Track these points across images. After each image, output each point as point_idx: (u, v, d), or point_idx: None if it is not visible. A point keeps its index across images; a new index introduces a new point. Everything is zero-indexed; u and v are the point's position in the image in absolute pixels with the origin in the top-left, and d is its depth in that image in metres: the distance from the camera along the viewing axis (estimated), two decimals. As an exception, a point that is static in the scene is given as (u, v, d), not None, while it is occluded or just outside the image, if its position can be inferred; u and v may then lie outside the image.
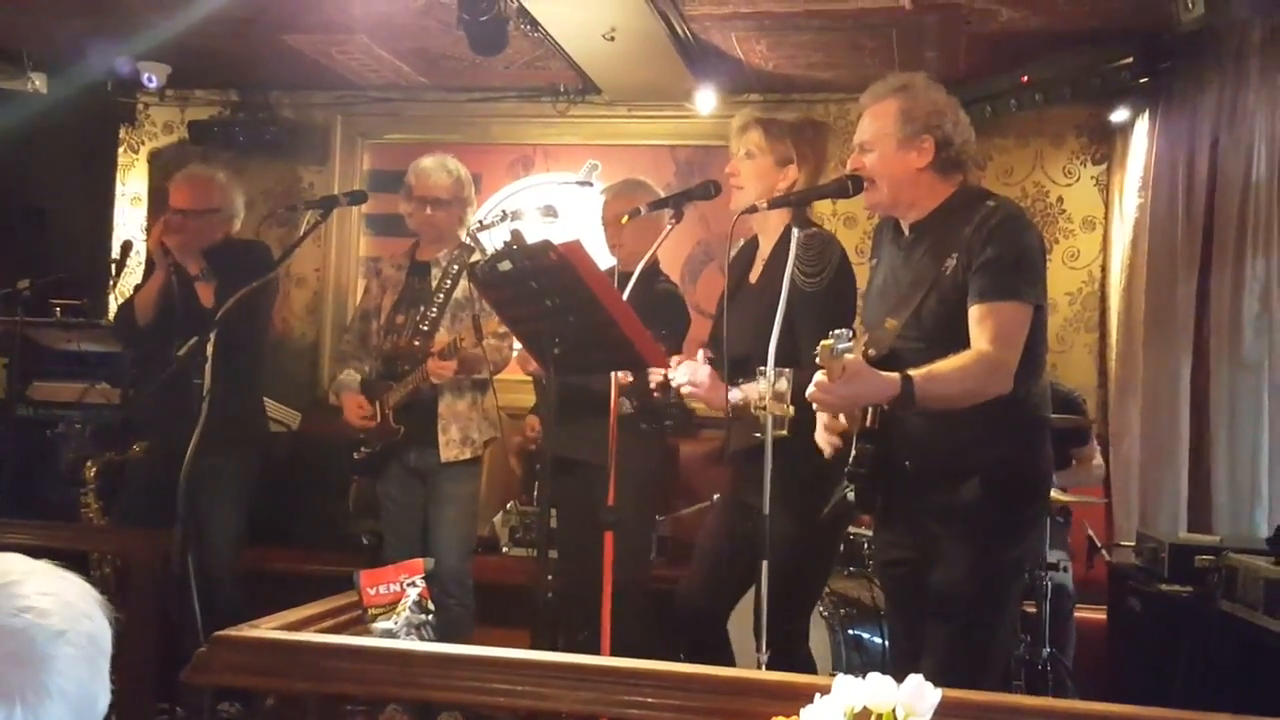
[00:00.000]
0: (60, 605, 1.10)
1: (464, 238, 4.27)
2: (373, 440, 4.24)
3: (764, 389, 2.79)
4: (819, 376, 2.51)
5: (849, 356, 2.44)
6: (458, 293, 4.16)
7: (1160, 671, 3.71)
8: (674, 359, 3.26)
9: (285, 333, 6.26)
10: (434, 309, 4.14)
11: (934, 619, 2.77)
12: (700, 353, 3.26)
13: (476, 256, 4.17)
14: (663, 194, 3.93)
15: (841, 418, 2.81)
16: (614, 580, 3.49)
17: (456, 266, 4.18)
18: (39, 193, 6.12)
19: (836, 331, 2.44)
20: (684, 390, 3.23)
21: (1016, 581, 2.93)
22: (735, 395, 3.12)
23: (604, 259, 3.61)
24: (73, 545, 4.13)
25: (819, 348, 2.43)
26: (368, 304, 4.47)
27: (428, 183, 4.27)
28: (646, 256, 3.46)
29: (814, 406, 2.68)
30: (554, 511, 4.51)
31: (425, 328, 4.15)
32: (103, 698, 1.11)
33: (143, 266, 5.60)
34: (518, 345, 3.91)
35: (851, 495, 2.76)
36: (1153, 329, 4.93)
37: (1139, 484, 4.95)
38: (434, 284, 4.21)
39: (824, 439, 2.84)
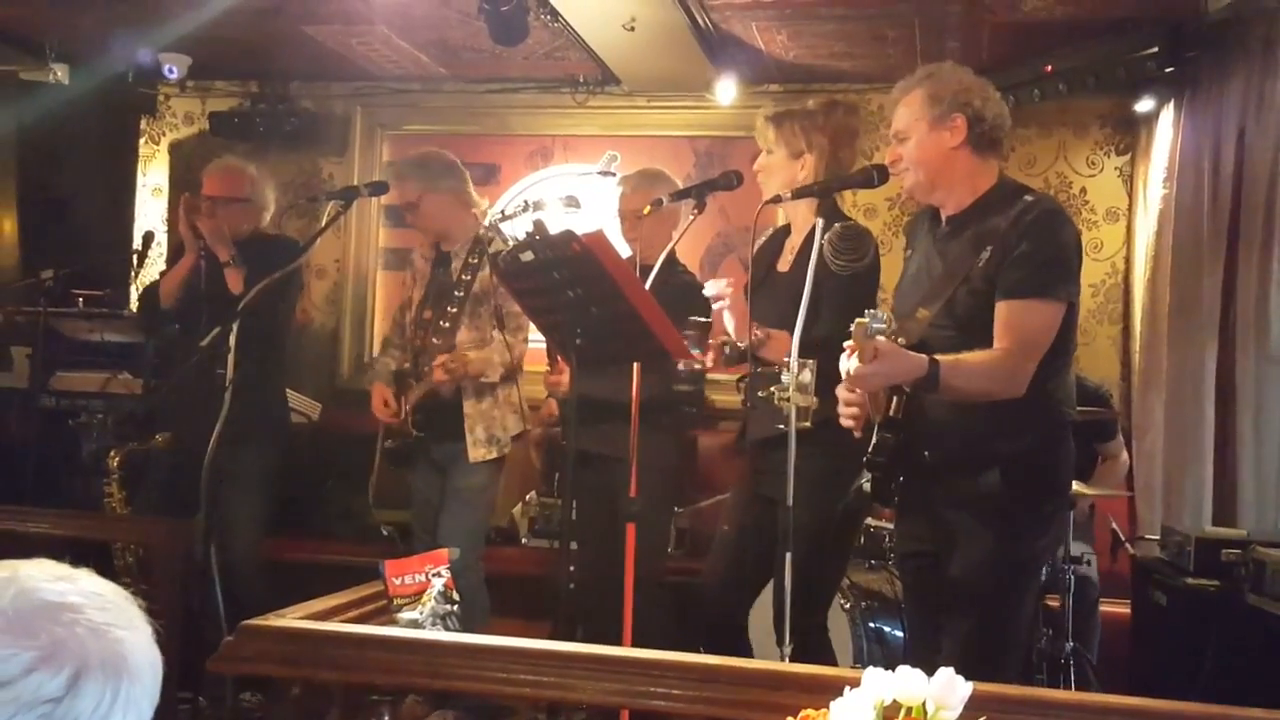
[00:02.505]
0: (117, 594, 1.13)
1: (483, 230, 4.27)
2: (394, 436, 4.25)
3: (787, 380, 2.78)
4: (848, 361, 2.50)
5: (880, 339, 2.44)
6: (476, 286, 4.16)
7: (1186, 666, 3.69)
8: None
9: (305, 324, 6.27)
10: (454, 305, 4.13)
11: (952, 611, 2.77)
12: (725, 280, 3.33)
13: (496, 247, 4.17)
14: (680, 184, 3.92)
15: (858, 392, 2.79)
16: (637, 570, 3.51)
17: (475, 259, 4.17)
18: (61, 184, 6.16)
19: (871, 311, 2.44)
20: (715, 305, 3.28)
21: (1035, 576, 2.93)
22: (761, 332, 3.14)
23: (622, 250, 3.59)
24: (96, 534, 4.16)
25: (854, 325, 2.43)
26: (404, 295, 4.51)
27: (401, 189, 4.31)
28: (669, 247, 3.45)
29: (840, 386, 2.68)
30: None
31: (446, 325, 4.14)
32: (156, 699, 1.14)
33: (164, 256, 5.63)
34: (535, 339, 3.93)
35: (868, 486, 2.75)
36: (1177, 321, 4.89)
37: (1163, 477, 4.91)
38: (454, 277, 4.21)
39: (846, 416, 2.82)
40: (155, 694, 1.12)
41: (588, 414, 3.10)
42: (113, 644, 1.07)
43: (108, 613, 1.09)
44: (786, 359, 2.80)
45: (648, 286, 3.04)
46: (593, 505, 3.94)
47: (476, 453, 4.13)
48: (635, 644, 2.79)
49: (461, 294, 4.13)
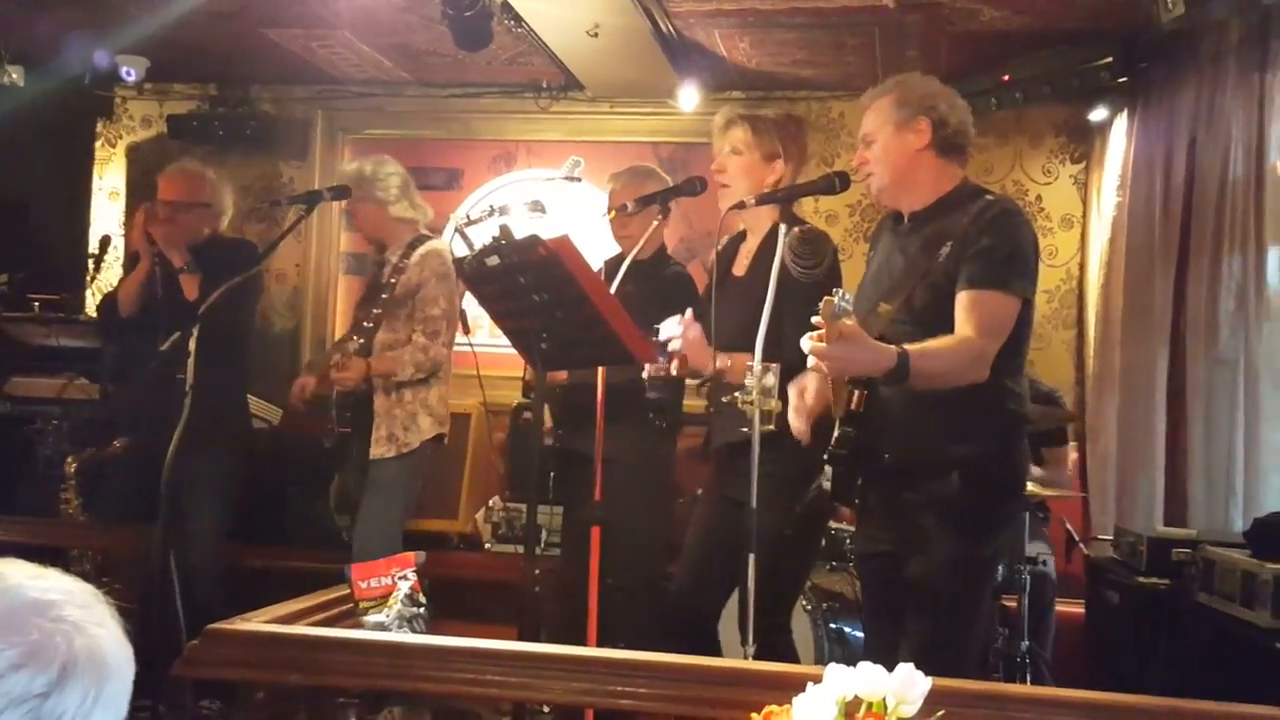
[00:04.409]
0: (87, 591, 1.15)
1: (420, 233, 4.30)
2: (330, 437, 4.28)
3: (751, 384, 2.80)
4: (812, 340, 2.51)
5: (847, 322, 2.45)
6: (399, 289, 4.18)
7: (1138, 663, 3.76)
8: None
9: (266, 328, 6.24)
10: (378, 307, 4.16)
11: (911, 611, 2.80)
12: (689, 311, 3.26)
13: (427, 252, 4.18)
14: (670, 181, 3.93)
15: (810, 397, 2.81)
16: (621, 574, 3.53)
17: (405, 262, 4.21)
18: (16, 187, 6.07)
19: (839, 290, 2.46)
20: (670, 346, 3.20)
21: (991, 576, 2.97)
22: (722, 360, 3.14)
23: (595, 253, 3.59)
24: (53, 541, 4.13)
25: (821, 304, 2.43)
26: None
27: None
28: (634, 251, 3.46)
29: (791, 385, 2.70)
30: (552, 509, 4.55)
31: (369, 325, 4.17)
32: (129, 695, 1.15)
33: (120, 261, 5.59)
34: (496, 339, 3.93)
35: (828, 484, 2.77)
36: (1130, 326, 4.98)
37: (1116, 478, 5.00)
38: (383, 280, 4.24)
39: (795, 421, 2.84)
40: (129, 692, 1.13)
41: (577, 416, 3.10)
42: (94, 641, 1.08)
43: (87, 610, 1.10)
44: (750, 365, 2.82)
45: (615, 287, 3.07)
46: (582, 508, 3.92)
47: (376, 449, 4.13)
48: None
49: (386, 295, 4.17)
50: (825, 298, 2.44)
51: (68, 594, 1.11)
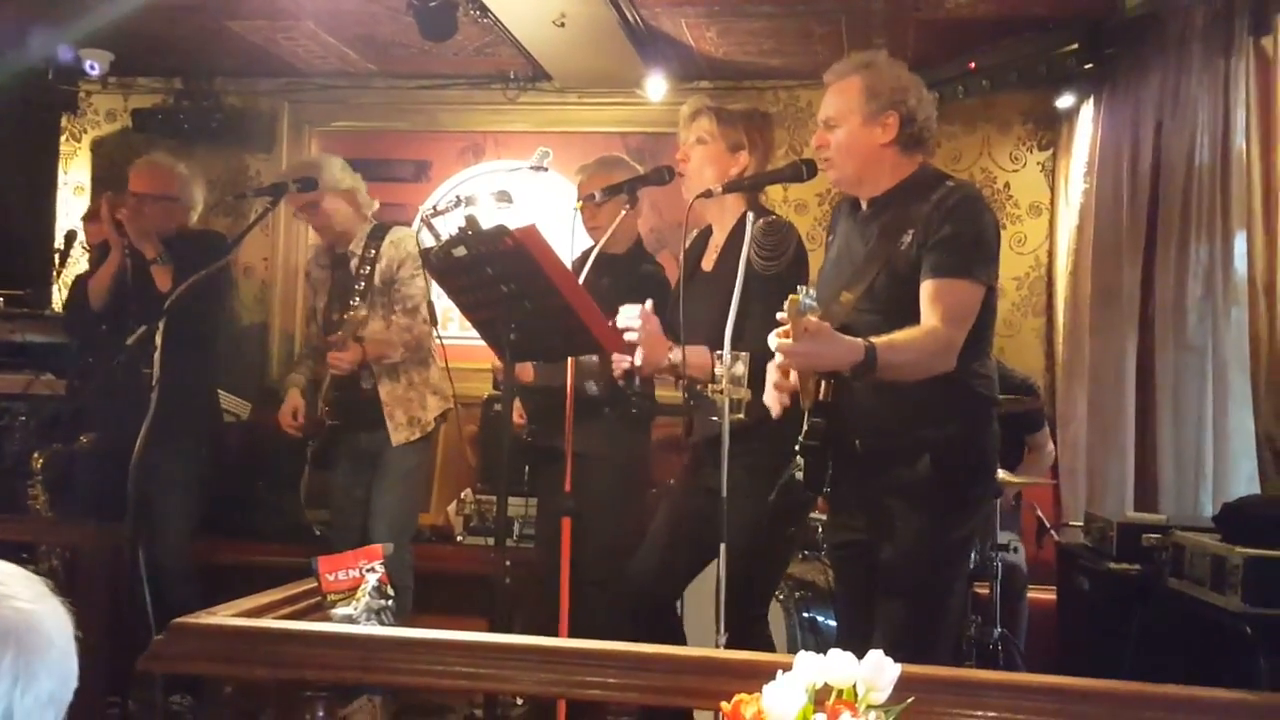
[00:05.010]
0: (27, 582, 1.13)
1: (374, 221, 4.27)
2: (310, 435, 4.26)
3: (721, 373, 2.80)
4: (778, 337, 2.50)
5: (812, 317, 2.45)
6: (377, 278, 4.18)
7: (1109, 649, 3.77)
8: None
9: (234, 322, 6.19)
10: (355, 297, 4.13)
11: (884, 597, 2.79)
12: (649, 302, 3.20)
13: (398, 237, 4.17)
14: (642, 170, 3.91)
15: (793, 376, 2.80)
16: (596, 568, 3.51)
17: (373, 251, 4.18)
18: (-21, 182, 6.03)
19: (803, 287, 2.45)
20: (627, 335, 3.13)
21: (964, 561, 2.97)
22: (675, 354, 3.11)
23: (563, 244, 3.58)
24: (20, 537, 4.11)
25: (786, 302, 2.43)
26: (308, 308, 4.49)
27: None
28: (601, 241, 3.45)
29: (770, 365, 2.69)
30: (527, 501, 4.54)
31: (349, 317, 4.14)
32: (76, 669, 1.13)
33: (86, 256, 5.53)
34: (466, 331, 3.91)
35: (800, 474, 2.77)
36: (1098, 313, 5.00)
37: (1086, 465, 5.02)
38: (353, 273, 4.21)
39: (772, 398, 2.80)
40: (71, 661, 1.12)
41: (550, 410, 3.07)
42: (20, 611, 1.08)
43: (15, 586, 1.10)
44: (719, 353, 2.82)
45: (583, 278, 3.05)
46: (554, 500, 3.90)
47: (399, 436, 4.15)
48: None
49: (362, 286, 4.15)
50: (790, 296, 2.43)
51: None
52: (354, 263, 4.24)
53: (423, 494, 4.42)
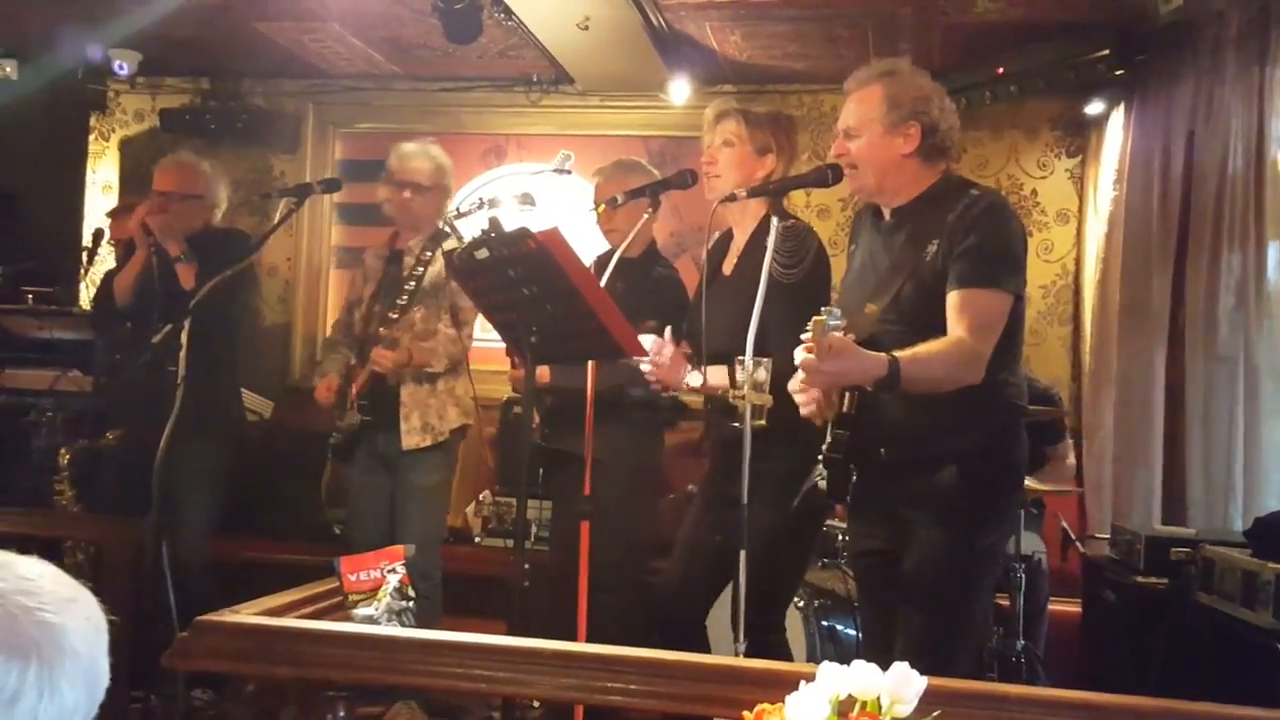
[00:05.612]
0: (61, 578, 1.13)
1: (440, 226, 4.25)
2: (340, 429, 4.23)
3: (743, 379, 2.78)
4: (804, 354, 2.49)
5: (836, 335, 2.43)
6: (427, 280, 4.14)
7: (1135, 663, 3.73)
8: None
9: (257, 322, 6.21)
10: (404, 296, 4.12)
11: (907, 607, 2.76)
12: (668, 330, 3.21)
13: (451, 243, 4.16)
14: (657, 174, 3.90)
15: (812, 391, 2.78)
16: (608, 575, 3.50)
17: (429, 254, 4.15)
18: (9, 180, 6.11)
19: (828, 308, 2.43)
20: (643, 367, 3.16)
21: (990, 571, 2.92)
22: (694, 379, 3.10)
23: (585, 246, 3.57)
24: (47, 532, 4.13)
25: (811, 323, 2.41)
26: (352, 294, 4.47)
27: (408, 167, 4.23)
28: (623, 245, 3.43)
29: (796, 382, 2.67)
30: (542, 504, 4.52)
31: (395, 316, 4.12)
32: (106, 672, 1.13)
33: (113, 253, 5.56)
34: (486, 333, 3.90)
35: (823, 483, 2.74)
36: (1127, 322, 4.94)
37: (1112, 476, 4.96)
38: (406, 271, 4.19)
39: (813, 409, 2.76)
40: (99, 673, 1.11)
41: (562, 412, 3.07)
42: (45, 622, 1.07)
43: (43, 595, 1.09)
44: (741, 359, 2.80)
45: (604, 282, 3.03)
46: (570, 507, 3.89)
47: (410, 440, 4.10)
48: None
49: (412, 286, 4.12)
50: (815, 317, 2.42)
51: (16, 581, 1.09)
52: (409, 260, 4.21)
53: (446, 508, 4.38)
